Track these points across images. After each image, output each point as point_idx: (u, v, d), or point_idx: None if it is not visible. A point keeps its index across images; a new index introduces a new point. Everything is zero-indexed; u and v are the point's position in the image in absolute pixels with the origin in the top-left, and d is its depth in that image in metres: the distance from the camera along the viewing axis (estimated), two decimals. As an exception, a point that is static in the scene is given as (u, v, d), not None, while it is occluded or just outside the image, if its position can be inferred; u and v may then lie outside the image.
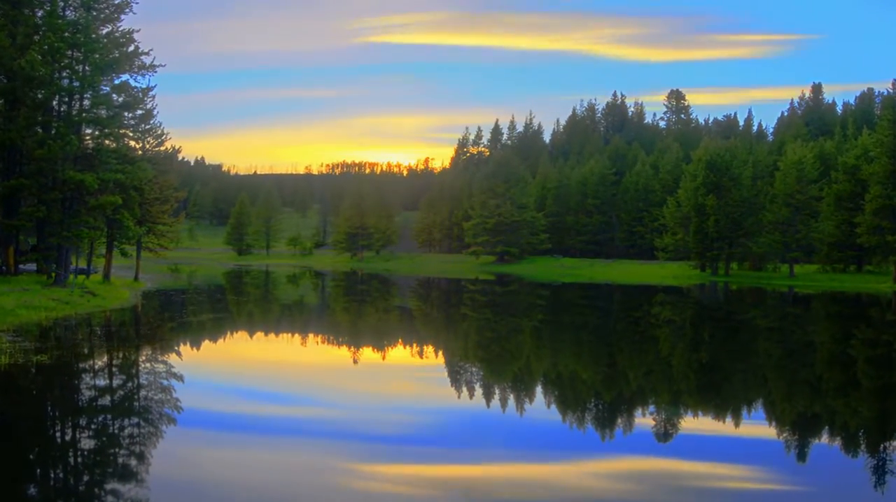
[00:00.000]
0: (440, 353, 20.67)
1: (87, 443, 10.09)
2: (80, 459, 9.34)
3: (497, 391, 14.71)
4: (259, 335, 24.05)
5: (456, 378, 16.23)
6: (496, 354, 20.15)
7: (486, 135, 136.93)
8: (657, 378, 16.67)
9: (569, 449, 10.27)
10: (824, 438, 11.32)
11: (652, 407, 13.46)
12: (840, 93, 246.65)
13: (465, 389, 14.84)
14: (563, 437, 11.02)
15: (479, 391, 14.76)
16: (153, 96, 35.95)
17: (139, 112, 35.33)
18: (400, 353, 20.31)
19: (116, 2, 33.58)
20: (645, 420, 12.33)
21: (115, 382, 14.57)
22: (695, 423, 12.11)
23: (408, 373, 16.93)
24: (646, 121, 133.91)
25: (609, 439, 10.94)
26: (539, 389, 15.14)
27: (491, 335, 24.83)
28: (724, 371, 17.52)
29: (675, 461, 9.74)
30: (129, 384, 14.44)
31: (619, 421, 12.35)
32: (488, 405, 13.24)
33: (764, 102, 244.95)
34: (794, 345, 23.16)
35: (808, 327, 29.46)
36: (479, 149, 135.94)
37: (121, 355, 17.80)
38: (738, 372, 17.13)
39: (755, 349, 21.72)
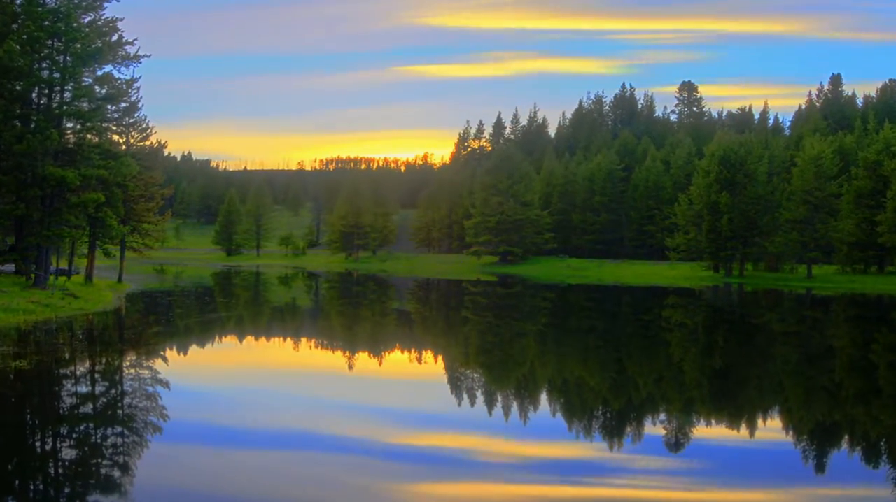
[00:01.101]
0: (443, 360, 20.67)
1: (67, 453, 10.08)
2: (60, 470, 9.33)
3: (514, 404, 14.70)
4: (249, 340, 24.05)
5: (463, 388, 16.23)
6: (501, 362, 20.14)
7: (488, 129, 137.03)
8: (675, 386, 16.66)
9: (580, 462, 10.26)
10: None
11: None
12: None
13: (475, 401, 14.84)
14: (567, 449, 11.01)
15: (490, 403, 14.75)
16: (138, 88, 36.00)
17: (123, 105, 35.32)
18: (400, 362, 20.32)
19: (99, -11, 33.51)
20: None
21: (98, 389, 14.57)
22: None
23: (410, 382, 16.94)
24: (656, 114, 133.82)
25: (619, 447, 10.94)
26: (557, 400, 15.13)
27: (494, 340, 24.83)
28: (742, 378, 17.52)
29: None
30: (112, 391, 14.44)
31: (639, 434, 12.34)
32: (490, 414, 13.24)
33: (781, 96, 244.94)
34: (813, 350, 23.16)
35: (827, 331, 29.46)
36: (481, 143, 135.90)
37: (103, 361, 17.80)
38: (754, 378, 17.14)
39: (772, 354, 21.72)
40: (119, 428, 11.46)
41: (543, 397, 15.26)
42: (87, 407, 12.91)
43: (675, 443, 11.30)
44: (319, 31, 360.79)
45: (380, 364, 19.29)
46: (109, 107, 34.02)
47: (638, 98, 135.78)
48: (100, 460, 9.76)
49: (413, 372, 18.24)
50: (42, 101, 32.58)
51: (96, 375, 16.08)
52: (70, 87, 31.82)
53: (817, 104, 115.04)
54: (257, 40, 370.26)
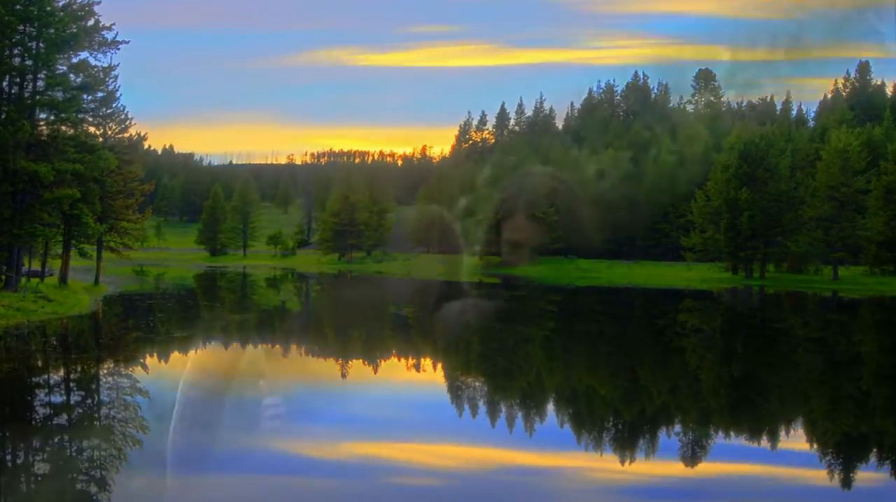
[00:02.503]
0: (446, 369, 20.68)
1: (39, 467, 10.06)
2: (32, 484, 9.31)
3: (519, 415, 14.70)
4: (234, 347, 24.02)
5: (465, 398, 16.24)
6: (507, 372, 20.13)
7: (491, 121, 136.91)
8: (691, 397, 16.62)
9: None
10: None
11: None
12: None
13: (477, 412, 14.84)
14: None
15: (494, 414, 14.75)
16: (115, 76, 35.90)
17: (100, 94, 35.24)
18: (399, 373, 20.32)
19: (74, -30, 33.50)
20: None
21: (72, 399, 14.55)
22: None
23: (410, 392, 16.94)
24: (671, 104, 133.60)
25: (631, 461, 10.93)
26: (566, 411, 15.12)
27: (496, 346, 24.83)
28: (763, 387, 17.52)
29: None
30: (88, 401, 14.42)
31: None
32: (494, 425, 13.23)
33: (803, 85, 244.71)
34: (839, 357, 23.14)
35: (855, 337, 29.45)
36: (483, 135, 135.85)
37: (78, 369, 17.78)
38: (775, 387, 17.13)
39: (795, 361, 21.71)
40: (94, 441, 11.43)
41: (551, 408, 15.25)
42: (60, 419, 12.89)
43: (692, 457, 11.29)
44: (310, 12, 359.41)
45: (375, 372, 19.28)
46: (85, 96, 33.96)
47: (652, 87, 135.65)
48: (73, 475, 9.73)
49: (414, 383, 18.23)
50: (13, 91, 32.53)
51: (70, 384, 16.06)
52: (43, 76, 31.78)
53: (843, 94, 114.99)
54: (242, 19, 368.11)
